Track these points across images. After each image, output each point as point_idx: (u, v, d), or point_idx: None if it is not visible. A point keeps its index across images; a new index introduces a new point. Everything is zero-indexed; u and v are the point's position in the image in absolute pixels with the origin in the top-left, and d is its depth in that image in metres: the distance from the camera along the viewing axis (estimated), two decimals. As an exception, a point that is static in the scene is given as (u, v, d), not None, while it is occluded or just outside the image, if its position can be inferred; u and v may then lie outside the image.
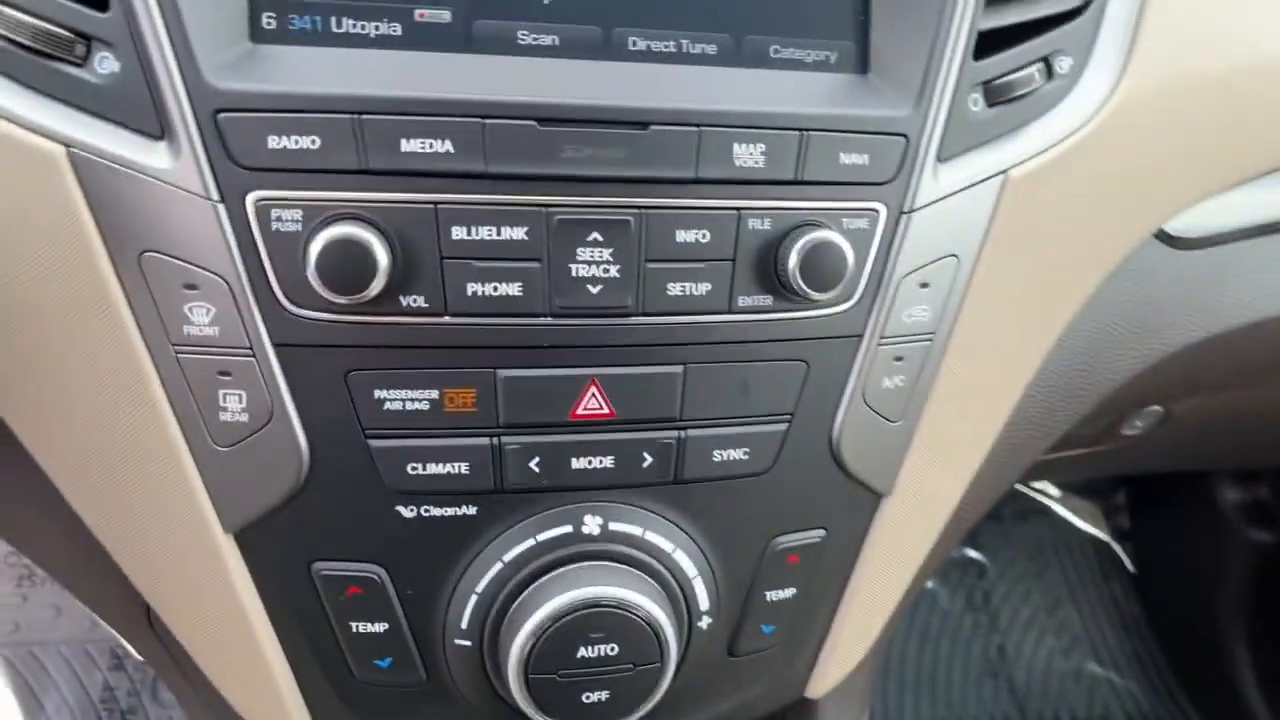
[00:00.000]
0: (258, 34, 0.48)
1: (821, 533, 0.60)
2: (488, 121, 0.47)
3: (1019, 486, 2.13)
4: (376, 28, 0.50)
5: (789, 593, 0.61)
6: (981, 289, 0.58)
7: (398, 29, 0.50)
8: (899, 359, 0.57)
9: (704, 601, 0.58)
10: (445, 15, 0.50)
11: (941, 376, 0.59)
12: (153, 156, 0.46)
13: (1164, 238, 0.72)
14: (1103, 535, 2.21)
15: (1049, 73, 0.58)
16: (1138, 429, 0.96)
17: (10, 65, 0.45)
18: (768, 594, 0.60)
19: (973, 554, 2.12)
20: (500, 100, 0.47)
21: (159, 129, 0.46)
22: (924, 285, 0.56)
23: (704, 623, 0.58)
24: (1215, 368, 0.81)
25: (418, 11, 0.50)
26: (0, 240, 0.46)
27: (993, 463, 0.69)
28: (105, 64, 0.46)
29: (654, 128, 0.49)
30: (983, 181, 0.56)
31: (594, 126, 0.48)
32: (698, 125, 0.49)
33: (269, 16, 0.49)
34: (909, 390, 0.58)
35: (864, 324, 0.56)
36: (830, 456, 0.58)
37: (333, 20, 0.49)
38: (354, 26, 0.50)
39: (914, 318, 0.57)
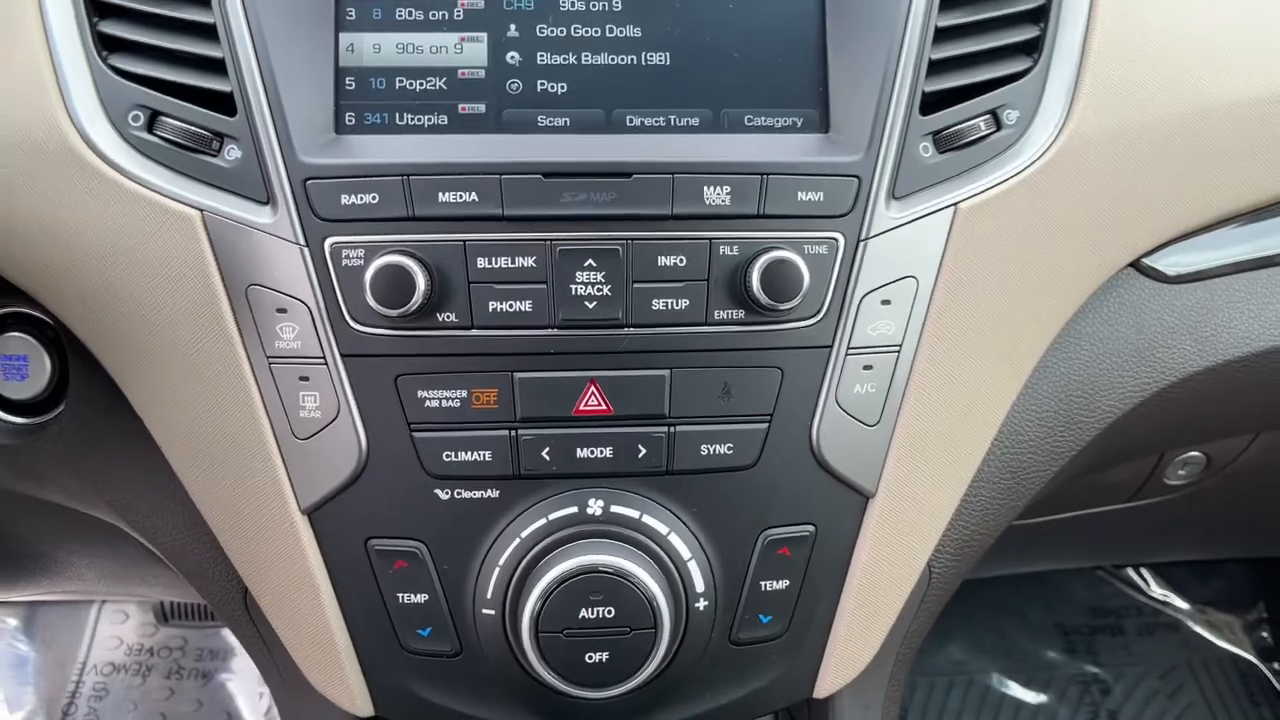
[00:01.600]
0: (341, 127, 0.65)
1: (811, 528, 0.67)
2: (504, 177, 0.61)
3: (1142, 598, 2.03)
4: (429, 119, 0.65)
5: (783, 584, 0.67)
6: (943, 307, 0.66)
7: (445, 119, 0.65)
8: (868, 367, 0.65)
9: (699, 583, 0.65)
10: (481, 107, 0.66)
11: (913, 385, 0.66)
12: (260, 215, 0.62)
13: (1150, 272, 0.78)
14: (1245, 654, 2.05)
15: (997, 123, 0.67)
16: (1182, 478, 0.97)
17: (167, 157, 0.63)
18: (762, 584, 0.67)
19: (1093, 669, 2.00)
20: (513, 161, 0.61)
21: (266, 196, 0.62)
22: (885, 302, 0.65)
23: (701, 604, 0.65)
24: (1230, 403, 0.84)
25: (460, 106, 0.66)
26: (148, 278, 0.62)
27: (993, 481, 0.75)
28: (232, 153, 0.62)
29: (636, 176, 0.62)
30: (934, 212, 0.65)
31: (587, 178, 0.61)
32: (672, 173, 0.62)
33: (349, 114, 0.65)
34: (881, 396, 0.66)
35: (831, 336, 0.64)
36: (811, 455, 0.66)
37: (397, 114, 0.65)
38: (413, 119, 0.65)
39: (878, 331, 0.65)
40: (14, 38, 0.62)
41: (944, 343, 0.66)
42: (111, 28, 0.63)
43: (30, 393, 0.72)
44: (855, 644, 0.71)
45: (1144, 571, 2.01)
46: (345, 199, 0.61)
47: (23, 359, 0.72)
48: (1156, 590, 2.02)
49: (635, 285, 0.62)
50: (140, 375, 0.66)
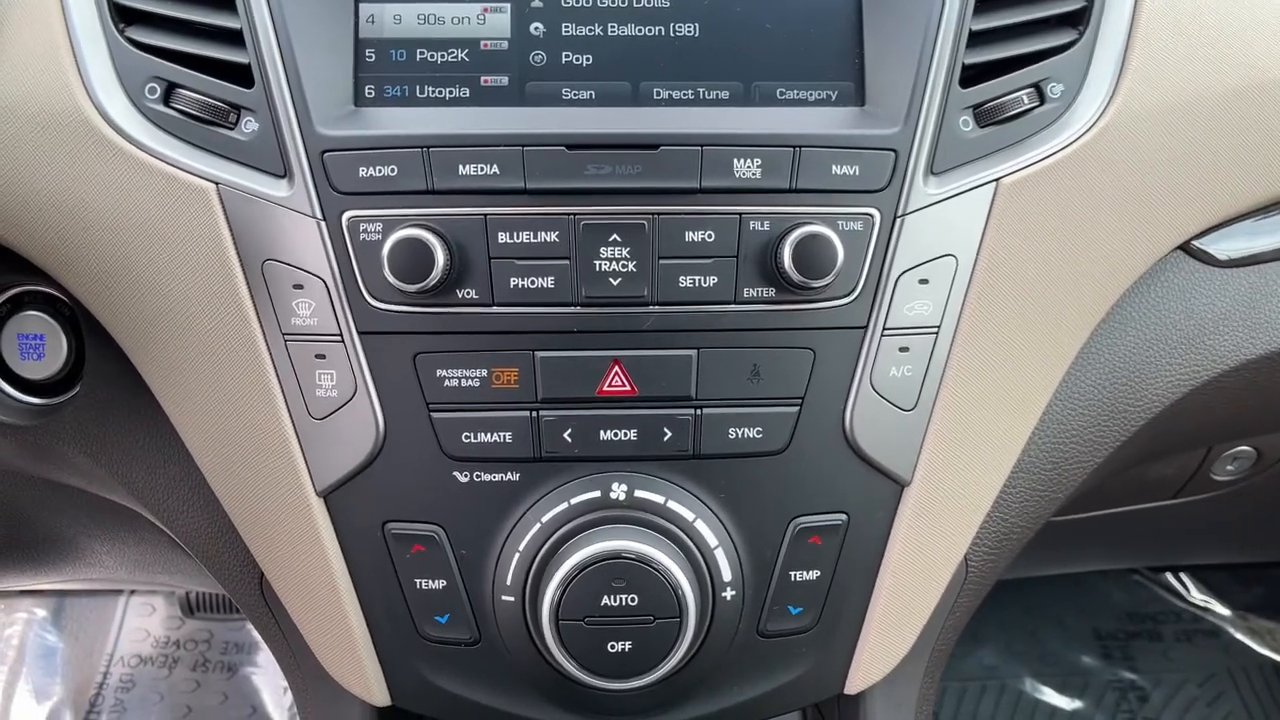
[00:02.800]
0: (360, 100, 0.63)
1: (843, 517, 0.64)
2: (526, 149, 0.59)
3: (1181, 604, 1.97)
4: (450, 91, 0.64)
5: (814, 575, 0.65)
6: (984, 288, 0.63)
7: (466, 92, 0.64)
8: (904, 349, 0.63)
9: (726, 572, 0.63)
10: (504, 80, 0.64)
11: (952, 369, 0.63)
12: (276, 189, 0.60)
13: (1201, 255, 0.74)
14: (1288, 661, 1.98)
15: (1040, 97, 0.64)
16: (1230, 474, 0.93)
17: (183, 130, 0.61)
18: (792, 574, 0.64)
19: (1131, 676, 1.95)
20: (536, 133, 0.59)
21: (283, 169, 0.60)
22: (923, 281, 0.62)
23: (728, 594, 0.63)
24: (1286, 392, 0.80)
25: (482, 78, 0.64)
26: (162, 251, 0.61)
27: (1033, 472, 0.71)
28: (249, 125, 0.61)
29: (663, 148, 0.59)
30: (975, 188, 0.62)
31: (613, 150, 0.59)
32: (700, 145, 0.59)
33: (369, 87, 0.63)
34: (918, 379, 0.63)
35: (866, 316, 0.62)
36: (844, 440, 0.63)
37: (417, 87, 0.64)
38: (433, 91, 0.64)
39: (915, 311, 0.62)
40: (30, 10, 0.61)
41: (984, 325, 0.64)
42: None
43: (47, 372, 0.72)
44: (888, 639, 0.68)
45: (1183, 576, 1.96)
46: (363, 171, 0.59)
47: (40, 338, 0.71)
48: (1196, 595, 1.97)
49: (661, 261, 0.60)
50: (155, 352, 0.64)
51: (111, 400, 0.70)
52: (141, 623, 1.74)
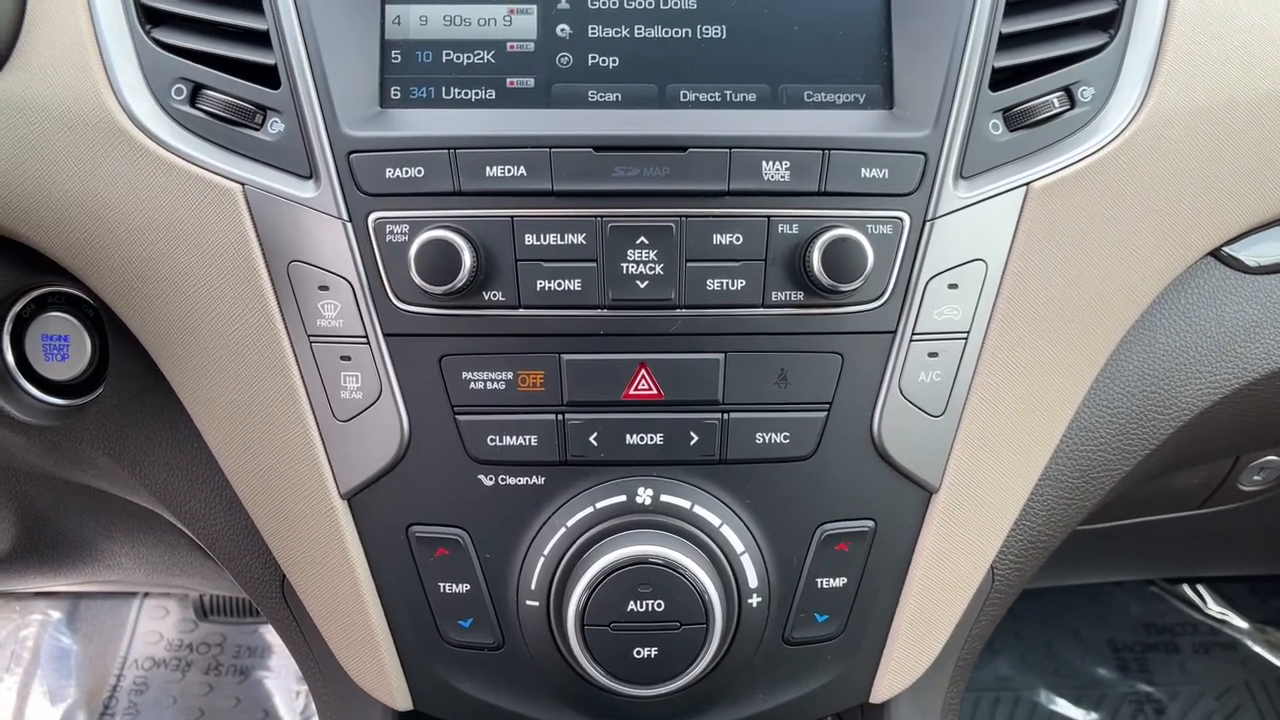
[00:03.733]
0: (386, 101, 0.63)
1: (870, 523, 0.64)
2: (554, 150, 0.59)
3: (1198, 616, 1.95)
4: (476, 93, 0.63)
5: (840, 582, 0.64)
6: (1014, 293, 0.62)
7: (493, 94, 0.63)
8: (933, 355, 0.62)
9: (752, 578, 0.62)
10: (530, 82, 0.64)
11: (981, 375, 0.63)
12: (302, 189, 0.60)
13: (1232, 262, 0.74)
14: (1308, 674, 1.96)
15: (1071, 100, 0.64)
16: (1258, 484, 0.92)
17: (209, 131, 0.61)
18: (819, 581, 0.64)
19: (1147, 688, 1.93)
20: (563, 134, 0.59)
21: (309, 170, 0.60)
22: (953, 286, 0.61)
23: (754, 600, 0.62)
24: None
25: (509, 80, 0.64)
26: (188, 252, 0.61)
27: (1060, 480, 0.71)
28: (275, 126, 0.61)
29: (691, 150, 0.59)
30: (1005, 192, 0.61)
31: (640, 151, 0.59)
32: (729, 147, 0.59)
33: (395, 88, 0.63)
34: (947, 385, 0.62)
35: (895, 321, 0.61)
36: (872, 446, 0.62)
37: (443, 89, 0.63)
38: (460, 93, 0.63)
39: (945, 316, 0.62)
40: (59, 12, 0.61)
41: (1014, 330, 0.63)
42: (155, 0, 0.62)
43: (71, 373, 0.71)
44: (915, 647, 0.67)
45: (1200, 588, 1.94)
46: (390, 172, 0.59)
47: (64, 339, 0.71)
48: (1214, 608, 1.95)
49: (689, 264, 0.59)
50: (179, 353, 0.64)
51: (135, 401, 0.70)
52: (155, 625, 1.75)
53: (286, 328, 0.61)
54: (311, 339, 0.61)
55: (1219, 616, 1.94)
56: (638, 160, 0.59)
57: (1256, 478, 0.91)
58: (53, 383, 0.72)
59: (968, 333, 0.62)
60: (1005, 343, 0.63)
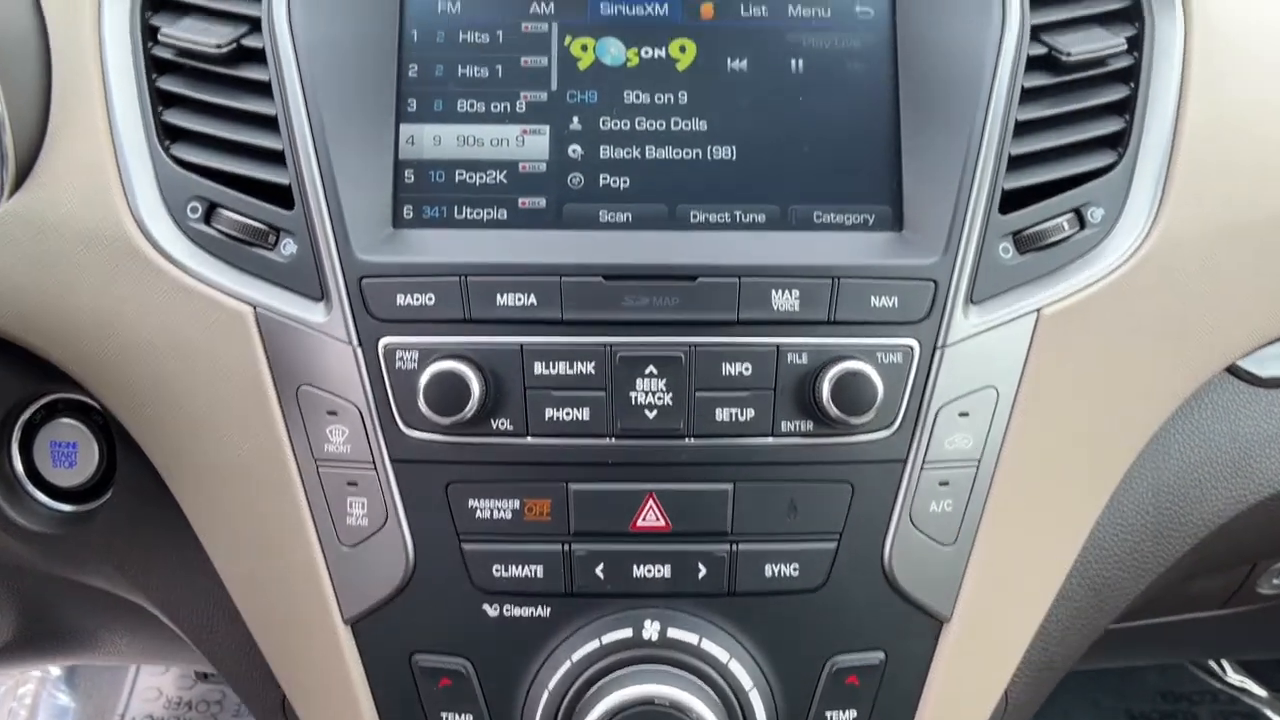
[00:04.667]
0: (399, 221, 0.63)
1: (881, 655, 0.63)
2: (564, 279, 0.59)
3: (1217, 685, 1.92)
4: (488, 213, 0.64)
5: (850, 715, 0.63)
6: (1025, 420, 0.62)
7: (504, 214, 0.64)
8: (944, 484, 0.61)
9: (761, 715, 0.61)
10: (542, 202, 0.64)
11: (992, 503, 0.62)
12: (313, 313, 0.60)
13: (1245, 376, 0.73)
14: (1328, 746, 1.92)
15: (1081, 222, 0.64)
16: (1276, 587, 0.90)
17: (223, 250, 0.62)
18: (828, 714, 0.62)
19: (1165, 760, 1.89)
20: (574, 262, 0.59)
21: (320, 293, 0.60)
22: (963, 414, 0.61)
23: None
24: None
25: (520, 200, 0.64)
26: (198, 373, 0.61)
27: (1074, 599, 0.69)
28: (288, 247, 0.61)
29: (701, 280, 0.59)
30: (1016, 320, 0.61)
31: (650, 280, 0.59)
32: (738, 276, 0.59)
33: (408, 207, 0.64)
34: (958, 514, 0.62)
35: (906, 449, 0.61)
36: (883, 577, 0.61)
37: (455, 208, 0.64)
38: (472, 213, 0.64)
39: (955, 445, 0.61)
40: (80, 128, 0.62)
41: (1026, 457, 0.62)
42: (175, 117, 0.63)
43: (78, 480, 0.71)
44: (927, 778, 0.66)
45: (1220, 657, 1.90)
46: (401, 299, 0.59)
47: (72, 445, 0.71)
48: (1233, 676, 1.91)
49: (698, 394, 0.59)
50: (186, 471, 0.64)
51: (140, 511, 0.70)
52: (154, 682, 1.73)
53: (294, 452, 0.61)
54: (319, 463, 0.61)
55: (1238, 685, 1.91)
56: (647, 290, 0.59)
57: (1275, 581, 0.90)
58: (59, 489, 0.72)
59: (979, 460, 0.61)
60: (1017, 469, 0.62)
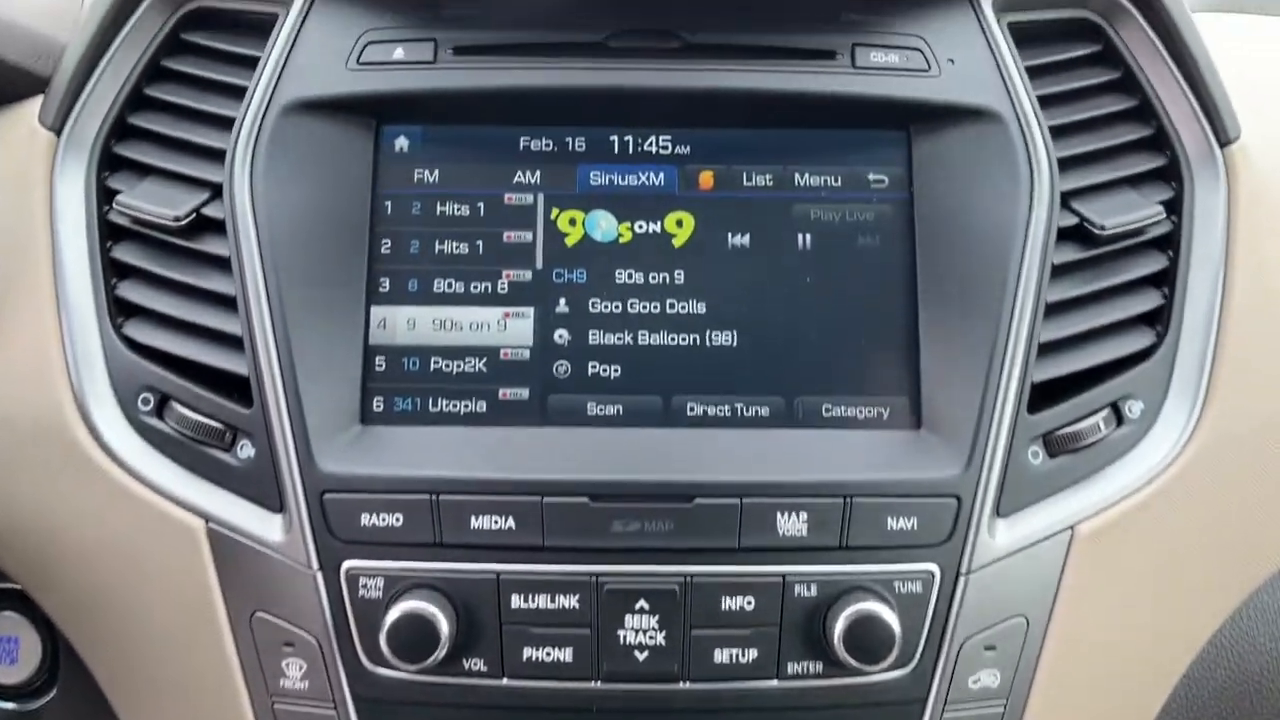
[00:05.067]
0: (368, 415, 0.58)
1: None
2: (545, 500, 0.53)
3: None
4: (466, 405, 0.58)
5: None
6: (1059, 651, 0.56)
7: (484, 406, 0.58)
8: None
9: None
10: (524, 393, 0.58)
11: (1022, 745, 0.56)
12: (270, 530, 0.55)
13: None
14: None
15: (1118, 418, 0.58)
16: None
17: (174, 450, 0.56)
18: None
19: None
20: (557, 479, 0.53)
21: (279, 504, 0.55)
22: (989, 648, 0.55)
23: None
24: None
25: (501, 391, 0.58)
26: (145, 588, 0.55)
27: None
28: (245, 450, 0.55)
29: (698, 501, 0.53)
30: (1046, 539, 0.55)
31: (641, 502, 0.53)
32: (740, 497, 0.53)
33: (378, 398, 0.58)
34: (983, 758, 0.55)
35: (926, 689, 0.54)
36: None
37: (430, 400, 0.58)
38: (447, 406, 0.58)
39: (981, 683, 0.55)
40: (26, 302, 0.57)
41: (1060, 692, 0.56)
42: (129, 291, 0.58)
43: (20, 677, 0.66)
44: None
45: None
46: (366, 519, 0.53)
47: (14, 641, 0.65)
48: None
49: (694, 632, 0.53)
50: (128, 692, 0.58)
51: (87, 714, 0.64)
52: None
53: (248, 685, 0.55)
54: (274, 699, 0.55)
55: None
56: (638, 513, 0.53)
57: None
58: (1, 686, 0.66)
59: (1007, 698, 0.55)
60: (1049, 705, 0.56)
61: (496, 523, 0.53)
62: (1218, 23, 0.79)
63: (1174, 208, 0.61)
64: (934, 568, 0.54)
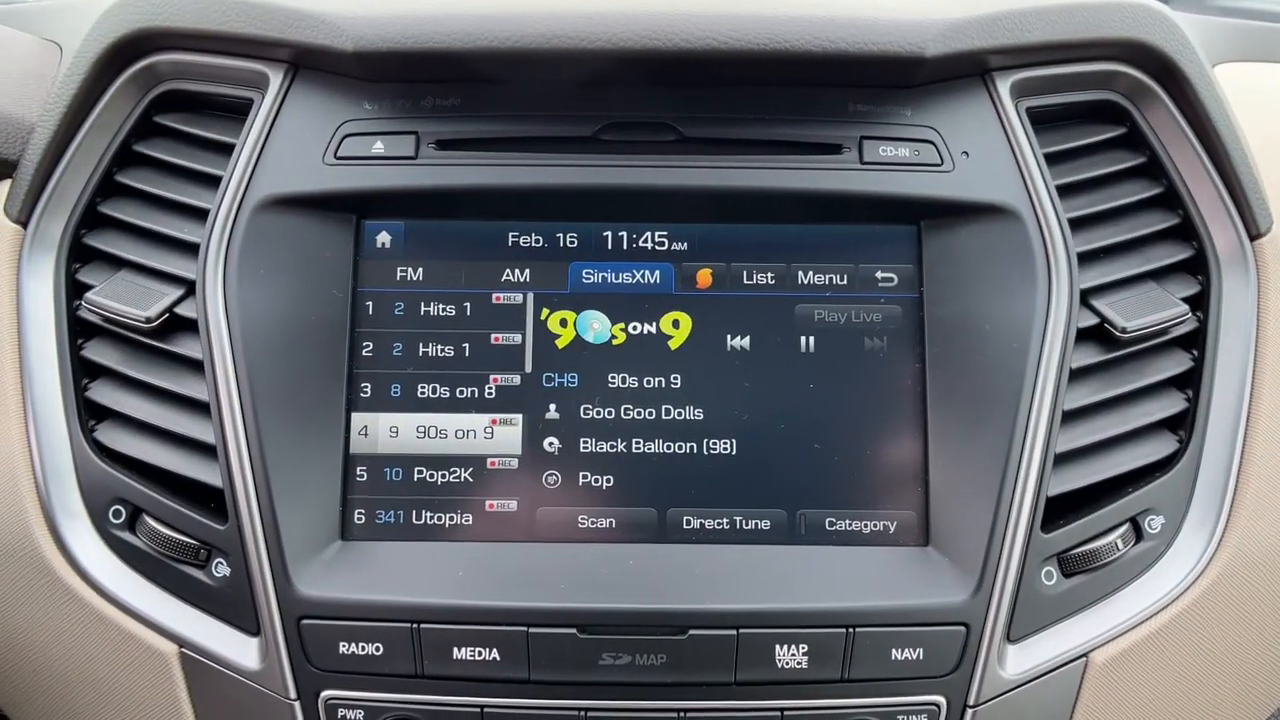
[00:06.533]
0: (348, 530, 0.55)
1: None
2: (531, 630, 0.50)
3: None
4: (451, 518, 0.55)
5: None
6: (1070, 783, 0.53)
7: (470, 519, 0.55)
8: None
9: None
10: (512, 504, 0.56)
11: None
12: (246, 656, 0.52)
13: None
14: None
15: (1137, 533, 0.55)
16: None
17: (147, 566, 0.54)
18: None
19: None
20: (544, 608, 0.51)
21: (255, 626, 0.52)
22: None
23: None
24: None
25: (488, 503, 0.55)
26: (114, 714, 0.53)
27: None
28: (220, 568, 0.53)
29: (693, 633, 0.51)
30: (1060, 667, 0.52)
31: (633, 633, 0.50)
32: (736, 628, 0.50)
33: (359, 511, 0.56)
34: None
35: None
36: None
37: (413, 513, 0.55)
38: (432, 518, 0.56)
39: None
40: None
41: (1072, 830, 0.54)
42: (100, 394, 0.55)
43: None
44: None
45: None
46: (345, 647, 0.51)
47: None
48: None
49: None
50: None
51: None
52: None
53: None
54: None
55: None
56: (629, 645, 0.50)
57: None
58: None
59: None
60: (1061, 845, 0.54)
61: (480, 654, 0.51)
62: (1248, 75, 0.75)
63: (1199, 303, 0.57)
64: (940, 700, 0.51)
